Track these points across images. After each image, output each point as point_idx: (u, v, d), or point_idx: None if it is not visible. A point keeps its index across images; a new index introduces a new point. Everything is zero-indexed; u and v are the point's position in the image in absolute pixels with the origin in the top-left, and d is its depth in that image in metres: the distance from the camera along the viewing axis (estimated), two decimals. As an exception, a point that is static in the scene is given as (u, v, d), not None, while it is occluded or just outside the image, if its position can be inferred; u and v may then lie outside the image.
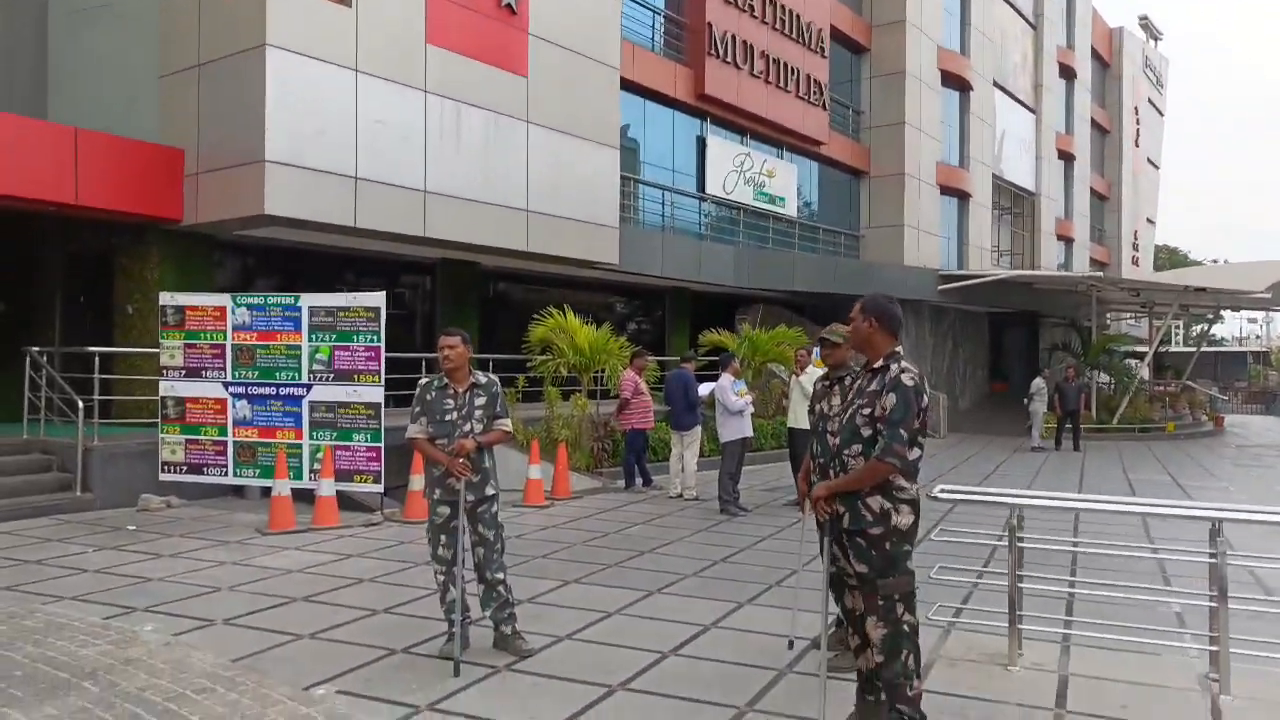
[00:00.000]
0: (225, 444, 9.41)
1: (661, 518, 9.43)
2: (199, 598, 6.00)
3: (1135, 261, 43.76)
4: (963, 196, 27.70)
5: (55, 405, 9.90)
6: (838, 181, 24.63)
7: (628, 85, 16.21)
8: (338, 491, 8.85)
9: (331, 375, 9.13)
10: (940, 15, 26.30)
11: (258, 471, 9.32)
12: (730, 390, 10.06)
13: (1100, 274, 28.32)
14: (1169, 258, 62.67)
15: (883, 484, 3.62)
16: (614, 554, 7.55)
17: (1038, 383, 19.45)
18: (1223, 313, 35.14)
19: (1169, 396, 27.78)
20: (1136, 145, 43.95)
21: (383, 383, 9.08)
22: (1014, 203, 32.91)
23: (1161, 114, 49.57)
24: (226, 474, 9.47)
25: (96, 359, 9.82)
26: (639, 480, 11.47)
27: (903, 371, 3.67)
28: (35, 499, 8.92)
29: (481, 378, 5.01)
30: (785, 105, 20.97)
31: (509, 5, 12.87)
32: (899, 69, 24.47)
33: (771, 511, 9.90)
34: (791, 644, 4.95)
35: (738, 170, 20.42)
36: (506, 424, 5.02)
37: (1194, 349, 36.33)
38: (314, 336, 9.19)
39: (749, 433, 10.28)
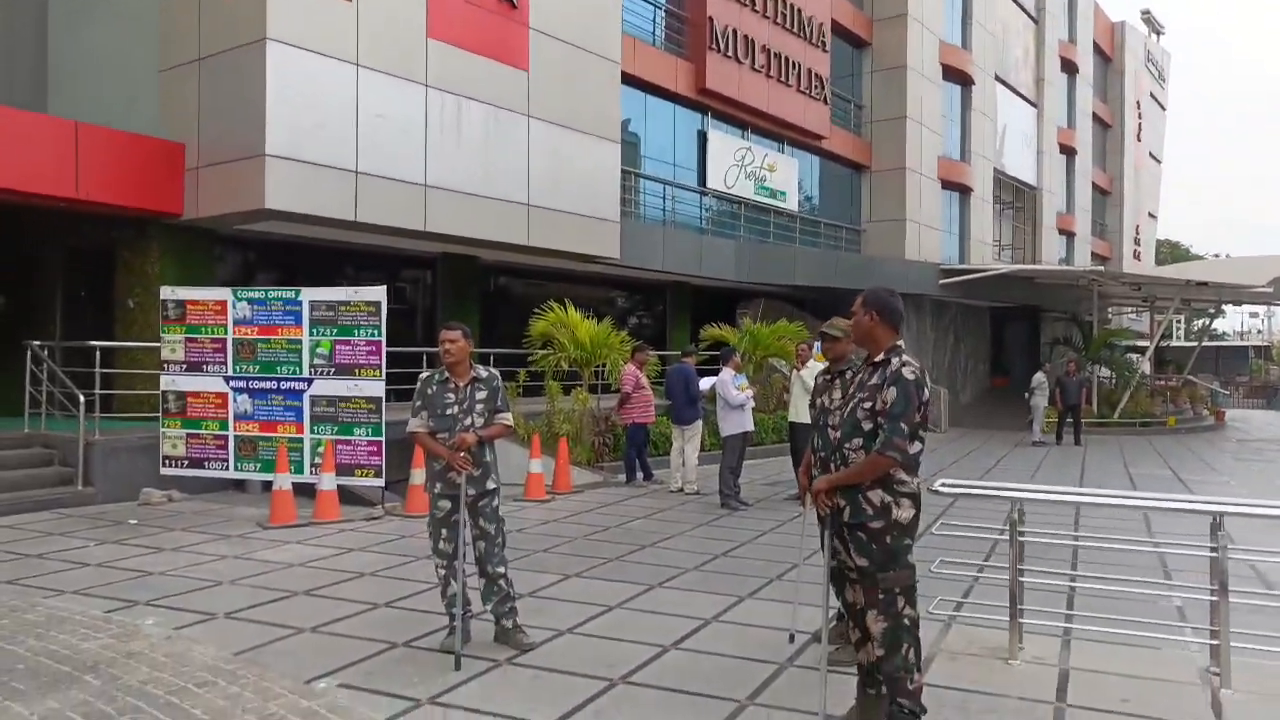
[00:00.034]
0: (226, 438, 9.42)
1: (662, 512, 9.43)
2: (200, 591, 6.00)
3: (1137, 256, 43.71)
4: (964, 191, 27.66)
5: (56, 399, 9.91)
6: (839, 176, 24.60)
7: (628, 79, 16.19)
8: (339, 486, 8.86)
9: (332, 369, 9.13)
10: (942, 9, 26.24)
11: (259, 466, 9.33)
12: (731, 385, 10.06)
13: (1102, 268, 28.28)
14: (1171, 252, 62.62)
15: (883, 478, 3.62)
16: (615, 548, 7.55)
17: (1039, 377, 19.44)
18: (1224, 307, 35.08)
19: (1170, 391, 27.77)
20: (1138, 140, 43.86)
21: (383, 377, 9.08)
22: (1015, 197, 32.86)
23: (1163, 108, 49.46)
24: (228, 468, 9.47)
25: (97, 353, 9.82)
26: (640, 475, 11.47)
27: (904, 365, 3.66)
28: (36, 493, 8.93)
29: (482, 372, 5.01)
30: (786, 99, 20.93)
31: (509, -1, 12.84)
32: (900, 63, 24.41)
33: (772, 506, 9.91)
34: (792, 638, 4.96)
35: (739, 164, 20.40)
36: (507, 418, 5.02)
37: (1195, 343, 36.34)
38: (315, 331, 9.18)
39: (750, 427, 10.27)
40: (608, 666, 4.60)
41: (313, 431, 9.17)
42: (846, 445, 3.73)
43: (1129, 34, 42.31)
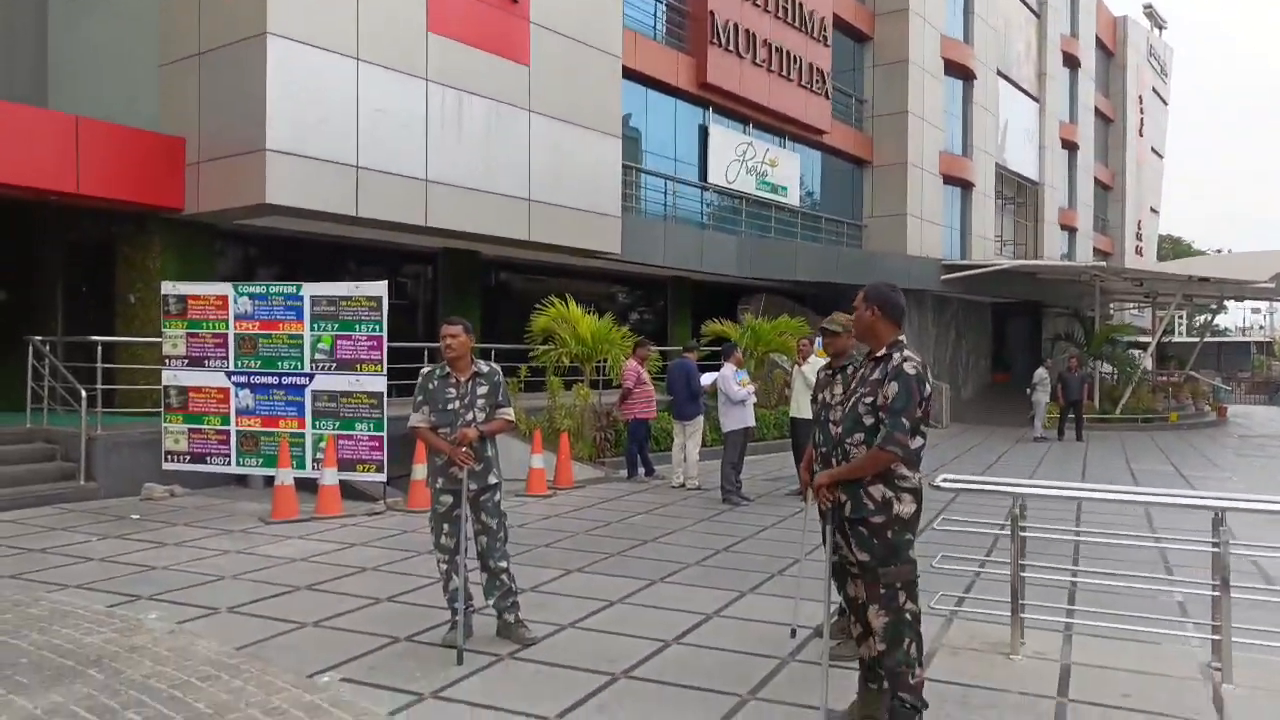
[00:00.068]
0: (228, 433, 9.42)
1: (664, 507, 9.44)
2: (203, 586, 6.01)
3: (1139, 251, 43.67)
4: (966, 186, 27.62)
5: (58, 395, 9.92)
6: (840, 171, 24.57)
7: (630, 74, 16.16)
8: (340, 481, 8.87)
9: (334, 365, 9.13)
10: (943, 3, 26.18)
11: (261, 461, 9.33)
12: (732, 380, 10.06)
13: (1104, 264, 28.26)
14: (1173, 247, 62.52)
15: (885, 472, 3.62)
16: (616, 543, 7.56)
17: (1040, 373, 19.43)
18: (1226, 303, 35.04)
19: (1172, 387, 27.76)
20: (1140, 134, 43.80)
21: (385, 372, 9.08)
22: (1017, 192, 32.81)
23: (1166, 103, 49.38)
24: (229, 463, 9.48)
25: (99, 348, 9.82)
26: (641, 470, 11.47)
27: (905, 360, 3.65)
28: (39, 488, 8.94)
29: (484, 366, 5.01)
30: (788, 94, 20.89)
31: (511, -7, 12.81)
32: (902, 57, 24.36)
33: (774, 501, 9.92)
34: (794, 632, 4.96)
35: (740, 159, 20.37)
36: (509, 413, 5.02)
37: (1197, 339, 36.32)
38: (316, 326, 9.18)
39: (751, 422, 10.27)
40: (609, 661, 4.60)
41: (314, 427, 9.17)
42: (848, 440, 3.72)
43: (1131, 28, 42.22)
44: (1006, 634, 4.78)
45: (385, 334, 9.09)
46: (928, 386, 3.66)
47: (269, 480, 9.22)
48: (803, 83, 21.31)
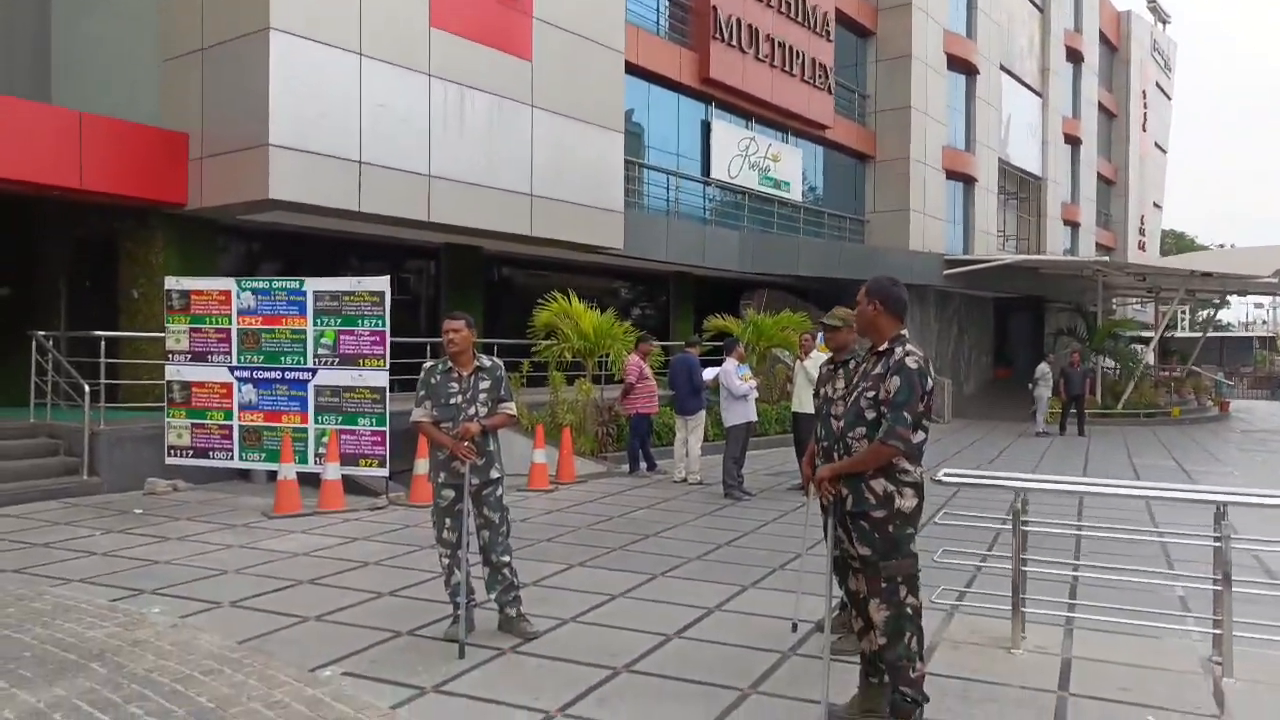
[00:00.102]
0: (231, 428, 9.44)
1: (666, 502, 9.45)
2: (206, 580, 6.03)
3: (1142, 246, 43.57)
4: (968, 181, 27.57)
5: (61, 389, 9.94)
6: (843, 166, 24.53)
7: (632, 69, 16.13)
8: (343, 475, 8.89)
9: (336, 359, 9.14)
10: (947, -2, 26.12)
11: (263, 455, 9.35)
12: (735, 375, 10.06)
13: (1106, 259, 28.20)
14: (1176, 242, 62.44)
15: (886, 467, 3.62)
16: (618, 538, 7.57)
17: (1042, 368, 19.42)
18: (1229, 298, 35.00)
19: (1174, 382, 27.72)
20: (1144, 130, 43.68)
21: (388, 367, 9.09)
22: (1020, 187, 32.75)
23: (1169, 98, 49.23)
24: (232, 458, 9.50)
25: (102, 343, 9.84)
26: (643, 465, 11.48)
27: (907, 354, 3.65)
28: (42, 482, 8.97)
29: (486, 361, 5.02)
30: (790, 89, 20.85)
31: (512, -12, 12.79)
32: (905, 53, 24.30)
33: (775, 496, 9.92)
34: (795, 627, 4.97)
35: (742, 154, 20.34)
36: (511, 407, 5.03)
37: (1200, 334, 36.27)
38: (319, 321, 9.19)
39: (753, 417, 10.28)
40: (611, 655, 4.61)
41: (317, 421, 9.19)
42: (850, 434, 3.72)
43: (1135, 23, 42.09)
44: (1007, 628, 4.78)
45: (388, 329, 9.09)
46: (930, 381, 3.66)
47: (272, 475, 9.24)
48: (805, 78, 21.26)
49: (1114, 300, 31.70)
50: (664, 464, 11.61)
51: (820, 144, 23.24)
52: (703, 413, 10.94)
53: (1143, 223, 44.28)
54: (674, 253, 17.03)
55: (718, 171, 19.69)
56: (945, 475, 4.96)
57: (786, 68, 20.62)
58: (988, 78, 28.27)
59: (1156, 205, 47.98)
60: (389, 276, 9.33)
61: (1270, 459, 15.73)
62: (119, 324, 11.30)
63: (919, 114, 24.51)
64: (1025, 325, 31.29)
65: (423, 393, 4.95)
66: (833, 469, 3.73)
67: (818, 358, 9.48)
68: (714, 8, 18.52)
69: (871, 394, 3.68)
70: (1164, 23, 47.62)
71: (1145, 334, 32.90)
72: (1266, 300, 56.67)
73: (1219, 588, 4.41)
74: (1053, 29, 33.32)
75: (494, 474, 4.94)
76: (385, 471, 9.11)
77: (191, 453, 9.57)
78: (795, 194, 22.14)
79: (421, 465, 8.85)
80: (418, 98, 11.58)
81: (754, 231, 20.22)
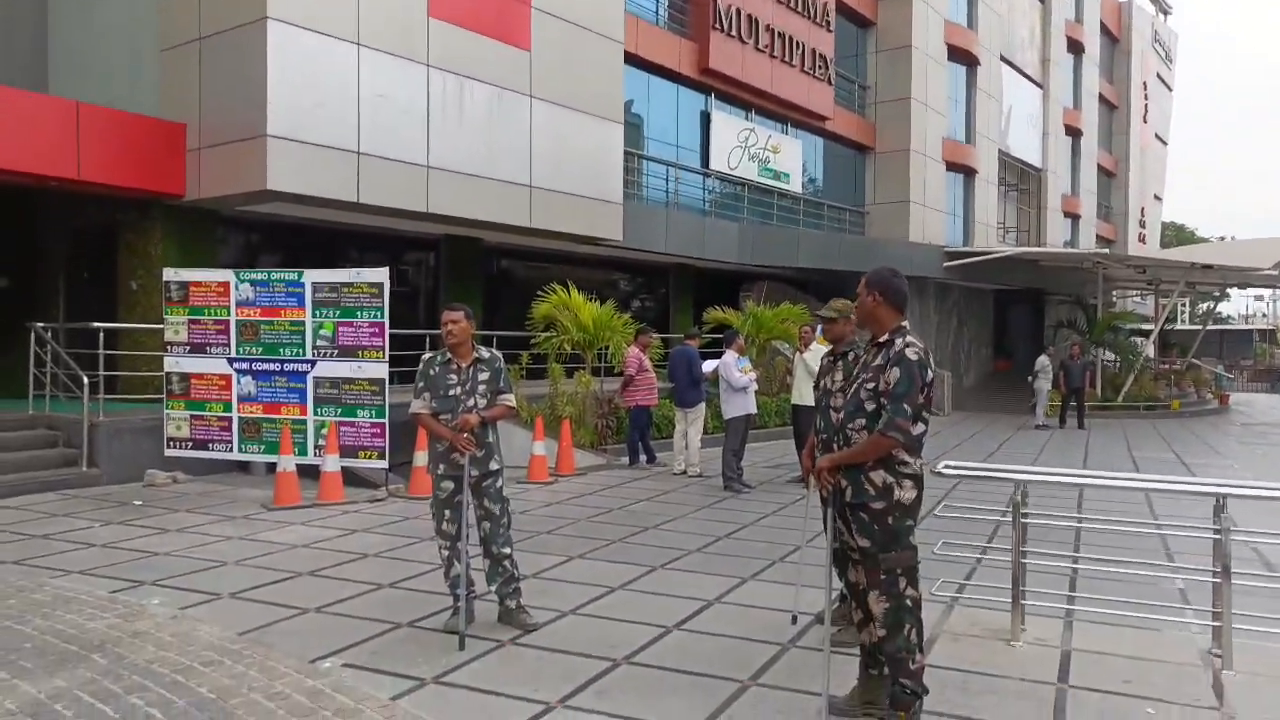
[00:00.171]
0: (230, 420, 9.43)
1: (665, 494, 9.45)
2: (205, 572, 6.03)
3: (1142, 239, 43.51)
4: (969, 172, 27.52)
5: (60, 381, 9.92)
6: (843, 157, 24.47)
7: (631, 59, 16.08)
8: (342, 467, 8.89)
9: (335, 351, 9.13)
10: (947, -12, 26.01)
11: (263, 447, 9.35)
12: (734, 367, 10.05)
13: (1106, 251, 28.11)
14: (1176, 235, 62.40)
15: (886, 458, 3.61)
16: (618, 530, 7.57)
17: (1042, 360, 19.42)
18: (1229, 290, 34.98)
19: (1174, 375, 27.74)
20: (1145, 121, 43.57)
21: (387, 359, 9.08)
22: (1020, 179, 32.69)
23: (1170, 89, 49.09)
24: (231, 450, 9.49)
25: (101, 335, 9.82)
26: (643, 457, 11.49)
27: (907, 346, 3.64)
28: (41, 474, 8.96)
29: (485, 353, 5.01)
30: (790, 80, 20.78)
31: (512, -22, 12.73)
32: (905, 43, 24.21)
33: (775, 488, 9.93)
34: (795, 619, 4.97)
35: (742, 146, 20.29)
36: (510, 399, 5.02)
37: (1200, 327, 36.26)
38: (318, 312, 9.17)
39: (753, 410, 10.27)
40: (610, 647, 4.62)
41: (316, 413, 9.18)
42: (850, 426, 3.72)
43: (1136, 14, 41.93)
44: (1007, 620, 4.79)
45: (387, 320, 9.07)
46: (930, 372, 3.65)
47: (271, 467, 9.23)
48: (805, 68, 21.19)
49: (1114, 293, 31.71)
50: (663, 456, 11.62)
51: (820, 135, 23.17)
52: (702, 405, 10.93)
53: (1143, 215, 44.22)
54: (673, 244, 17.00)
55: (717, 163, 19.64)
56: (945, 467, 4.96)
57: (786, 58, 20.54)
58: (988, 69, 28.18)
59: (1157, 197, 47.90)
60: (388, 268, 9.31)
61: (1270, 452, 15.75)
62: (118, 315, 11.28)
63: (919, 105, 24.44)
64: (1025, 318, 31.28)
65: (421, 384, 4.94)
66: (832, 459, 3.72)
67: (817, 350, 9.48)
68: (714, -2, 18.45)
69: (871, 385, 3.67)
70: (1165, 14, 47.49)
71: (1145, 327, 32.87)
72: (1267, 293, 56.77)
73: (1218, 580, 4.42)
74: (1053, 20, 33.21)
75: (493, 466, 4.93)
76: (385, 463, 9.11)
77: (191, 444, 9.56)
78: (795, 185, 22.09)
79: (421, 457, 8.85)
80: (416, 88, 11.54)
81: (753, 223, 20.18)
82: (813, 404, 4.20)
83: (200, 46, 10.63)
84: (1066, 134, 35.19)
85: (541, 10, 13.20)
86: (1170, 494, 8.09)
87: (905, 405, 3.55)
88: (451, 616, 4.85)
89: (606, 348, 12.98)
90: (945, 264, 22.63)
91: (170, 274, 9.69)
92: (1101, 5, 38.19)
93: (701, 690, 4.09)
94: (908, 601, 3.64)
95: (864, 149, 24.71)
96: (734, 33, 18.97)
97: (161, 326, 9.74)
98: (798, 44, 20.81)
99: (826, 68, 21.92)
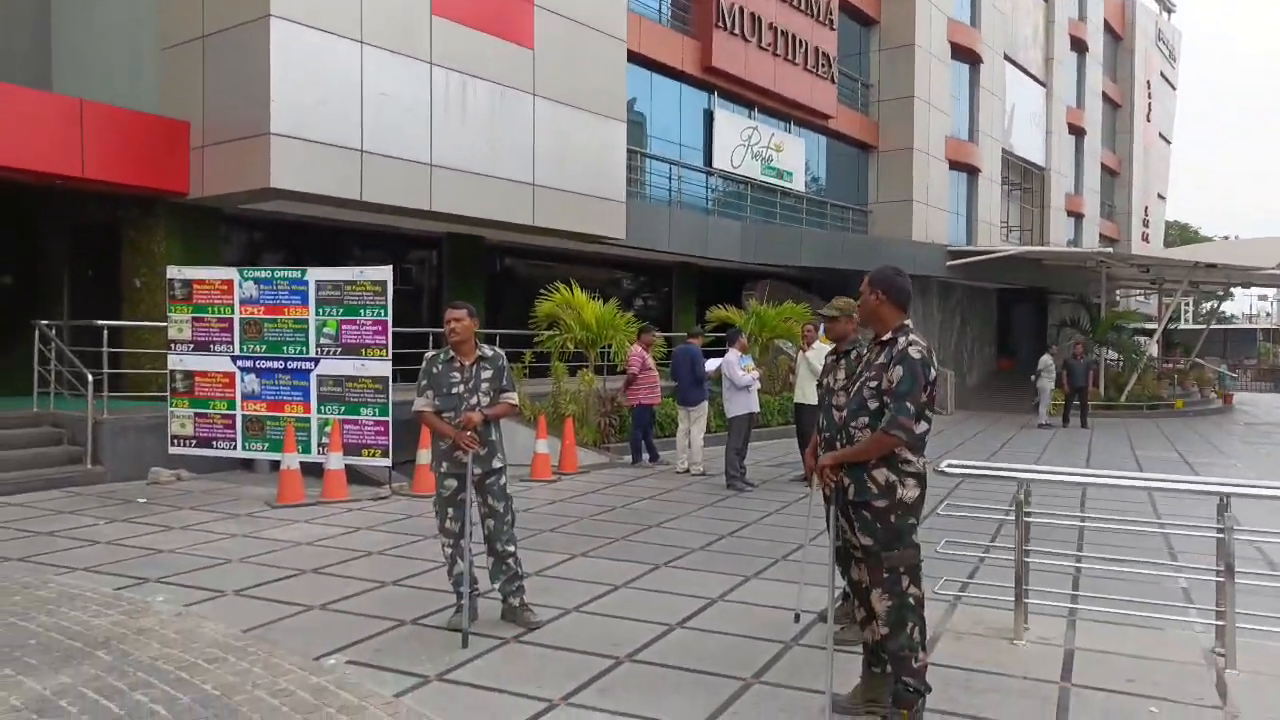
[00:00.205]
0: (234, 418, 9.45)
1: (668, 493, 9.45)
2: (209, 569, 6.04)
3: (1145, 238, 43.44)
4: (972, 171, 27.48)
5: (65, 379, 9.95)
6: (846, 156, 24.45)
7: (634, 57, 16.07)
8: (346, 465, 8.90)
9: (339, 349, 9.14)
10: (951, -14, 25.97)
11: (266, 445, 9.36)
12: (737, 366, 10.05)
13: (1110, 250, 28.08)
14: (1179, 234, 62.31)
15: (889, 456, 3.61)
16: (621, 528, 7.58)
17: (1045, 359, 19.39)
18: (1233, 290, 34.89)
19: (1178, 374, 27.69)
20: (1148, 120, 43.49)
21: (390, 357, 9.09)
22: (1024, 178, 32.65)
23: (1174, 87, 49.01)
24: (235, 447, 9.51)
25: (105, 333, 9.84)
26: (645, 455, 11.49)
27: (910, 344, 3.64)
28: (46, 472, 8.99)
29: (488, 351, 5.01)
30: (793, 78, 20.77)
31: (515, -24, 12.73)
32: (908, 41, 24.18)
33: (778, 487, 9.93)
34: (798, 617, 4.97)
35: (745, 144, 20.28)
36: (513, 397, 5.02)
37: (1203, 326, 36.17)
38: (321, 310, 9.19)
39: (755, 408, 10.27)
40: (614, 645, 4.62)
41: (320, 411, 9.19)
42: (852, 424, 3.72)
43: (1140, 12, 41.84)
44: (1010, 619, 4.79)
45: (390, 318, 9.08)
46: (933, 371, 3.65)
47: (275, 465, 9.25)
48: (808, 67, 21.17)
49: (1117, 291, 31.67)
50: (666, 455, 11.61)
51: (823, 134, 23.16)
52: (705, 403, 10.93)
53: (1146, 214, 44.14)
54: (676, 243, 17.00)
55: (720, 161, 19.63)
56: (948, 466, 4.96)
57: (789, 57, 20.53)
58: (991, 67, 28.14)
59: (1160, 196, 47.83)
60: (391, 266, 9.32)
61: (1274, 451, 15.72)
62: (121, 313, 11.30)
63: (922, 103, 24.41)
64: (1028, 317, 31.24)
65: (425, 382, 4.94)
66: (835, 457, 3.72)
67: (820, 349, 9.47)
68: (717, -4, 18.43)
69: (874, 384, 3.67)
70: (1169, 11, 47.37)
71: (1149, 326, 32.81)
72: (1271, 292, 56.61)
73: (1222, 579, 4.41)
74: (1057, 18, 33.15)
75: (496, 463, 4.94)
76: (388, 461, 9.12)
77: (195, 442, 9.58)
78: (798, 184, 22.08)
79: (424, 455, 8.85)
80: (419, 86, 11.54)
81: (756, 222, 20.17)
82: (816, 402, 4.20)
83: (203, 44, 10.64)
84: (1070, 132, 35.12)
85: (544, 8, 13.20)
86: (1174, 493, 8.07)
87: (908, 404, 3.55)
88: (455, 614, 4.86)
89: (609, 346, 12.98)
90: (948, 263, 22.60)
91: (174, 272, 9.71)
92: (1105, 3, 38.10)
93: (704, 688, 4.10)
94: (910, 599, 3.64)
95: (867, 147, 24.69)
96: (737, 31, 18.96)
97: (165, 324, 9.77)
98: (801, 42, 20.79)
99: (829, 66, 21.90)
